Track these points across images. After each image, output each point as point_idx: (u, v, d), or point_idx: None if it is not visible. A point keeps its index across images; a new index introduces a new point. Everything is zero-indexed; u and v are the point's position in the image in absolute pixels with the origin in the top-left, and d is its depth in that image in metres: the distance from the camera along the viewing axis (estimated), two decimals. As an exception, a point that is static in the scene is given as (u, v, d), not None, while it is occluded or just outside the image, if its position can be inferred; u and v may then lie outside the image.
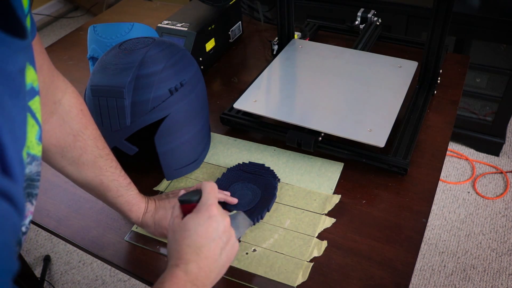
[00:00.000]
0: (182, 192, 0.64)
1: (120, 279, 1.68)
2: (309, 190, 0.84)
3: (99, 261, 1.70)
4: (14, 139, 0.34)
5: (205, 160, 0.93)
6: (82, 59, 1.32)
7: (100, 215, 0.85)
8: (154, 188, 0.89)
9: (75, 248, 1.65)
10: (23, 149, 0.37)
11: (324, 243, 0.75)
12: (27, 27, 0.38)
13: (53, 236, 1.02)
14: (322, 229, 0.77)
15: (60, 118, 0.65)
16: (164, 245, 0.78)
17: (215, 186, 0.63)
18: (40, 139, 0.43)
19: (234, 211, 0.77)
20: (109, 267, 1.72)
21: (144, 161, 0.90)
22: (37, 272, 1.70)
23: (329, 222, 0.78)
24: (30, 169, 0.41)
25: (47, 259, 1.74)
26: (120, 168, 0.73)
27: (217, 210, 0.60)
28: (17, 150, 0.34)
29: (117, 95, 0.77)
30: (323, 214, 0.80)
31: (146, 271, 0.75)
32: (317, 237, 0.76)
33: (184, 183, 0.89)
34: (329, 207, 0.81)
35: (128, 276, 1.55)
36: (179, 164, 0.86)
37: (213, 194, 0.62)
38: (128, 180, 0.75)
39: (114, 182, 0.72)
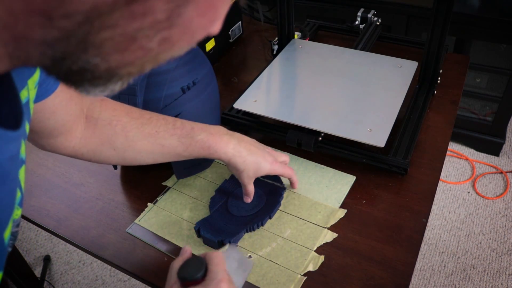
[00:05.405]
0: (179, 263, 0.55)
1: (120, 279, 1.68)
2: (315, 201, 0.82)
3: (99, 261, 1.70)
4: None
5: (215, 160, 0.92)
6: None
7: (100, 215, 0.85)
8: (163, 183, 0.88)
9: (75, 248, 1.65)
10: (5, 231, 0.38)
11: (321, 258, 0.73)
12: (22, 117, 0.39)
13: (53, 236, 1.02)
14: (322, 243, 0.75)
15: (90, 126, 0.68)
16: (164, 242, 0.78)
17: (222, 257, 0.55)
18: (20, 204, 0.44)
19: (227, 246, 0.73)
20: (109, 267, 1.72)
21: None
22: (37, 272, 1.70)
23: (330, 236, 0.76)
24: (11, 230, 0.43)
25: (47, 259, 1.74)
26: (171, 121, 0.69)
27: (227, 286, 0.52)
28: None
29: (130, 92, 0.77)
30: (325, 227, 0.77)
31: (146, 271, 0.75)
32: (315, 251, 0.74)
33: (193, 181, 0.88)
34: (333, 221, 0.78)
35: (128, 276, 1.55)
36: (189, 163, 0.85)
37: (221, 266, 0.54)
38: (187, 127, 0.69)
39: (174, 137, 0.68)
